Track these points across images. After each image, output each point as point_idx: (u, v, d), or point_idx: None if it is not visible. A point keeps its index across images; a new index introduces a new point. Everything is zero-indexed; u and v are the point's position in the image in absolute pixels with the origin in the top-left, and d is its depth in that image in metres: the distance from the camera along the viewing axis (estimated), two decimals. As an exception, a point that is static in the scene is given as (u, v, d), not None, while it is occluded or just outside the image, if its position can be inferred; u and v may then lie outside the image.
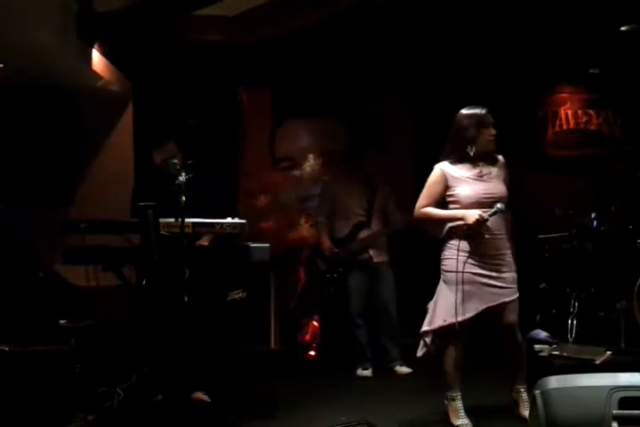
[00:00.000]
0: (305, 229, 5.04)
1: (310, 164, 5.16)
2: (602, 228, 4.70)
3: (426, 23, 4.45)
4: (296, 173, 5.15)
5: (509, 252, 3.08)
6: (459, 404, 3.07)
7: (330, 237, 4.21)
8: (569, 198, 5.02)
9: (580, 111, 5.63)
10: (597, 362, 3.80)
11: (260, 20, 4.18)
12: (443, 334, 3.03)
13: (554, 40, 4.81)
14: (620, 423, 2.18)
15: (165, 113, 4.40)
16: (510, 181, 3.15)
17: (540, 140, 5.55)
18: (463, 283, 2.96)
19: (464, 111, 3.07)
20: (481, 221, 2.93)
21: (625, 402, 2.20)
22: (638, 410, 2.19)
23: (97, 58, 3.76)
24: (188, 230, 2.77)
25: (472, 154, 3.05)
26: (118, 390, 2.99)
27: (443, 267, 3.08)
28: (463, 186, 3.04)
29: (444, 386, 3.11)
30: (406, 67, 4.87)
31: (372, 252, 4.16)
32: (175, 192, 2.77)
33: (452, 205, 3.06)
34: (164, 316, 2.82)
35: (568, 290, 4.61)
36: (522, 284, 4.68)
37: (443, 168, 3.09)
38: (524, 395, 3.11)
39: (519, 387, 3.14)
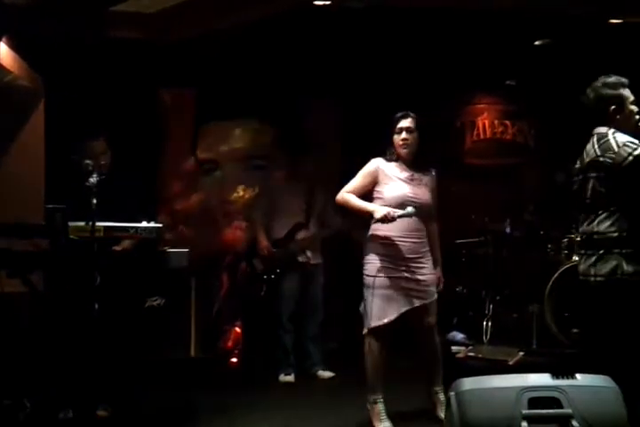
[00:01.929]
0: (229, 234, 4.94)
1: (232, 167, 5.08)
2: (515, 233, 4.91)
3: (355, 29, 4.48)
4: (218, 175, 5.05)
5: (429, 255, 3.14)
6: (381, 407, 3.09)
7: (267, 236, 4.15)
8: (485, 205, 5.20)
9: (496, 121, 5.84)
10: (511, 363, 3.95)
11: (183, 18, 4.08)
12: (368, 335, 3.05)
13: (472, 52, 4.96)
14: (529, 422, 2.25)
15: (81, 111, 4.21)
16: (437, 194, 3.23)
17: (458, 149, 5.72)
18: (381, 287, 3.01)
19: None
20: (387, 219, 2.96)
21: (534, 402, 2.28)
22: (546, 409, 2.27)
23: (4, 51, 3.55)
24: (100, 235, 2.64)
25: (393, 157, 3.14)
26: (25, 402, 2.82)
27: (364, 271, 3.11)
28: (391, 184, 3.09)
29: (366, 389, 3.12)
30: (334, 70, 4.89)
31: (309, 253, 4.14)
32: (87, 194, 2.65)
33: (376, 201, 3.11)
34: (72, 324, 2.68)
35: (484, 293, 4.78)
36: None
37: (377, 163, 3.16)
38: (441, 396, 3.16)
39: (436, 389, 3.19)
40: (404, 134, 3.11)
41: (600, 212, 2.82)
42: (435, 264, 3.19)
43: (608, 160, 2.78)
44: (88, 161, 2.80)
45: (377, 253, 3.05)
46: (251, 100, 4.91)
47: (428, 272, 3.11)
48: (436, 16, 4.32)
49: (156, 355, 3.31)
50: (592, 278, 2.80)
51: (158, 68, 4.58)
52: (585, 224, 2.89)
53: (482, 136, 5.82)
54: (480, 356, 4.08)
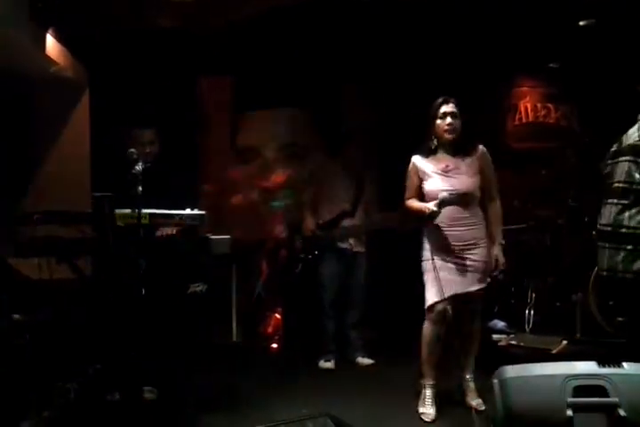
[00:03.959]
0: (270, 222, 4.98)
1: (272, 155, 5.10)
2: (559, 220, 4.81)
3: (389, 14, 4.42)
4: (258, 163, 5.09)
5: (482, 242, 3.13)
6: (428, 392, 3.12)
7: (314, 218, 4.18)
8: (528, 190, 5.10)
9: (539, 104, 5.72)
10: (554, 351, 3.89)
11: (221, 5, 4.08)
12: (426, 317, 3.10)
13: (514, 34, 4.84)
14: (574, 411, 2.22)
15: (124, 101, 4.28)
16: (492, 172, 3.20)
17: (500, 133, 5.62)
18: (435, 270, 3.06)
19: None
20: (430, 212, 3.02)
21: (579, 390, 2.25)
22: (592, 398, 2.24)
23: (50, 43, 3.63)
24: (145, 221, 2.70)
25: (433, 146, 3.12)
26: (74, 385, 2.92)
27: (421, 257, 3.19)
28: (429, 180, 3.15)
29: (416, 372, 3.15)
30: (372, 56, 4.84)
31: (352, 241, 4.14)
32: (132, 182, 2.71)
33: (425, 198, 3.16)
34: (120, 309, 2.75)
35: (526, 281, 4.70)
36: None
37: (414, 161, 3.21)
38: (472, 384, 3.18)
39: (467, 376, 3.20)
40: (448, 119, 3.08)
41: (631, 202, 2.72)
42: (492, 249, 3.16)
43: None
44: (132, 149, 2.85)
45: (429, 241, 3.14)
46: (289, 88, 4.92)
47: (478, 259, 3.11)
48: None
49: (200, 340, 3.38)
50: (620, 275, 2.72)
51: (197, 57, 4.62)
52: (613, 214, 2.80)
53: (524, 120, 5.71)
54: (522, 344, 4.03)
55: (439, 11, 4.41)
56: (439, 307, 3.06)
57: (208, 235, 2.90)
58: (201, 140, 5.00)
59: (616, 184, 2.83)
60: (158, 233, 3.09)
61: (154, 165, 3.21)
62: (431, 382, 3.13)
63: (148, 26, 4.12)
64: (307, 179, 4.38)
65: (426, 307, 3.10)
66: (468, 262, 3.09)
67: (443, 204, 3.03)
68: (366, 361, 4.11)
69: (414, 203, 3.19)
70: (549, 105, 5.71)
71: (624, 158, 2.81)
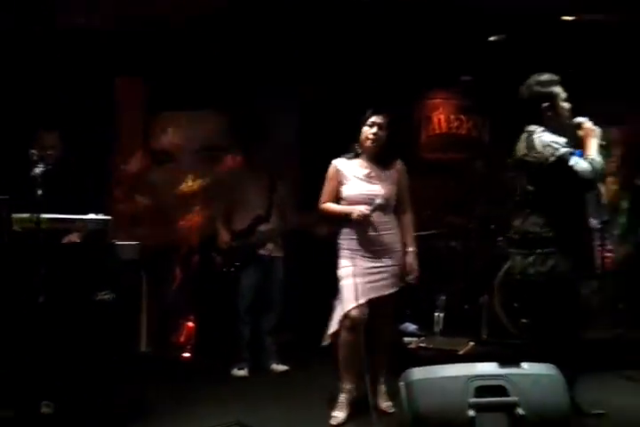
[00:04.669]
0: (183, 227, 4.87)
1: (187, 158, 5.00)
2: (468, 227, 5.00)
3: (312, 20, 4.46)
4: (173, 166, 4.97)
5: (396, 247, 3.22)
6: (342, 396, 3.15)
7: (227, 229, 4.11)
8: (439, 199, 5.27)
9: (452, 116, 5.91)
10: (461, 352, 4.03)
11: (135, 5, 3.98)
12: (341, 325, 3.12)
13: (428, 48, 5.00)
14: (476, 411, 2.31)
15: (28, 102, 4.08)
16: (407, 186, 3.31)
17: (414, 144, 5.77)
18: (351, 276, 3.10)
19: None
20: (363, 217, 3.07)
21: (481, 390, 2.34)
22: (492, 398, 2.33)
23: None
24: (45, 226, 2.56)
25: (357, 152, 3.21)
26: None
27: (338, 264, 3.20)
28: (349, 184, 3.20)
29: (332, 377, 3.17)
30: (291, 61, 4.85)
31: (270, 246, 4.12)
32: (31, 185, 2.57)
33: (342, 202, 3.22)
34: (15, 317, 2.60)
35: (436, 285, 4.85)
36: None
37: (336, 164, 3.25)
38: (383, 387, 3.25)
39: (380, 379, 3.26)
40: (374, 129, 3.16)
41: (531, 210, 2.90)
42: (406, 255, 3.25)
43: (532, 159, 2.86)
44: (33, 151, 2.71)
45: (346, 247, 3.18)
46: (205, 90, 4.83)
47: (393, 263, 3.20)
48: (391, 11, 4.33)
49: (106, 349, 3.24)
50: (532, 278, 2.88)
51: (110, 57, 4.46)
52: (518, 222, 2.96)
53: (437, 131, 5.88)
54: (431, 346, 4.15)
55: (356, 21, 4.49)
56: (355, 313, 3.09)
57: (114, 240, 2.80)
58: (114, 142, 4.82)
59: (516, 196, 3.00)
60: (65, 239, 2.96)
61: (58, 167, 3.07)
62: (349, 387, 3.16)
63: (59, 25, 3.95)
64: (217, 188, 4.34)
65: (342, 314, 3.11)
66: (384, 267, 3.16)
67: (375, 210, 3.10)
68: (280, 368, 4.10)
69: (334, 206, 3.22)
70: (462, 117, 5.92)
71: (517, 171, 2.98)
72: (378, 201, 3.11)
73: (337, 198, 3.23)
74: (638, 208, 5.98)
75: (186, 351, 4.29)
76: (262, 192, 4.13)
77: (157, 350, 4.31)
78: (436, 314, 4.64)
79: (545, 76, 2.97)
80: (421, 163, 5.67)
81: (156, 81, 4.79)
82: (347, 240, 3.19)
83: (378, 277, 3.14)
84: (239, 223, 4.11)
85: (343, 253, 3.20)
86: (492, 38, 5.06)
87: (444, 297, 4.74)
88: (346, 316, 3.10)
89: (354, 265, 3.12)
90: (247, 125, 4.64)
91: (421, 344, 4.18)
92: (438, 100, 5.89)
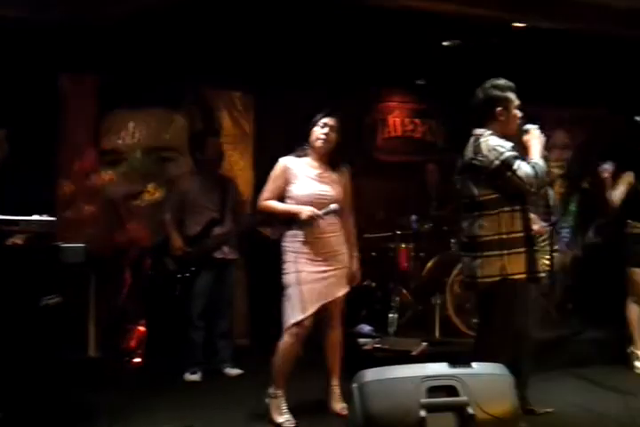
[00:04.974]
0: (133, 230, 4.76)
1: (139, 158, 4.89)
2: (421, 228, 5.07)
3: (268, 20, 4.42)
4: (123, 167, 4.85)
5: (343, 249, 3.20)
6: (282, 400, 3.11)
7: (180, 234, 4.03)
8: (394, 201, 5.32)
9: (407, 120, 5.99)
10: (414, 353, 4.06)
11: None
12: (285, 332, 3.07)
13: (384, 51, 5.04)
14: (428, 411, 2.32)
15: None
16: (351, 191, 3.30)
17: (369, 146, 5.81)
18: (300, 283, 3.05)
19: None
20: (313, 218, 3.04)
21: (432, 391, 2.35)
22: (444, 398, 2.35)
23: None
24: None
25: (306, 152, 3.19)
26: None
27: (283, 270, 3.14)
28: (299, 183, 3.14)
29: (269, 383, 3.12)
30: (244, 59, 4.80)
31: (225, 249, 4.06)
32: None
33: (288, 201, 3.15)
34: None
35: (391, 286, 4.90)
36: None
37: (286, 163, 3.19)
38: (337, 390, 3.23)
39: (333, 382, 3.24)
40: (326, 129, 3.16)
41: (478, 214, 2.95)
42: (350, 259, 3.25)
43: (479, 162, 2.91)
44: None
45: (294, 251, 3.11)
46: (158, 88, 4.74)
47: (341, 266, 3.18)
48: (349, 14, 4.35)
49: (52, 355, 3.14)
50: (479, 280, 2.93)
51: (57, 53, 4.32)
52: (466, 225, 3.01)
53: (392, 134, 5.94)
54: (386, 347, 4.16)
55: (314, 24, 4.49)
56: (302, 323, 3.05)
57: (59, 243, 2.70)
58: (61, 142, 4.67)
59: (465, 199, 3.04)
60: (9, 241, 2.85)
61: (1, 168, 2.95)
62: (283, 391, 3.13)
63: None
64: (167, 190, 4.26)
65: (289, 323, 3.06)
66: (332, 270, 3.13)
67: (327, 214, 3.07)
68: (234, 371, 4.05)
69: (278, 204, 3.15)
70: (416, 120, 6.00)
71: (464, 175, 3.03)
72: (333, 206, 3.08)
73: (281, 197, 3.16)
74: (585, 211, 6.17)
75: (136, 356, 4.19)
76: (214, 194, 4.07)
77: (107, 356, 4.21)
78: (391, 315, 4.68)
79: (502, 81, 3.03)
80: (377, 165, 5.73)
81: (106, 78, 4.67)
82: (292, 242, 3.13)
83: (325, 282, 3.10)
84: (192, 227, 4.04)
85: (288, 256, 3.13)
86: (445, 43, 5.14)
87: (398, 298, 4.79)
88: (292, 325, 3.05)
89: (300, 271, 3.05)
90: (200, 128, 4.59)
91: (376, 345, 4.19)
92: (394, 104, 5.96)
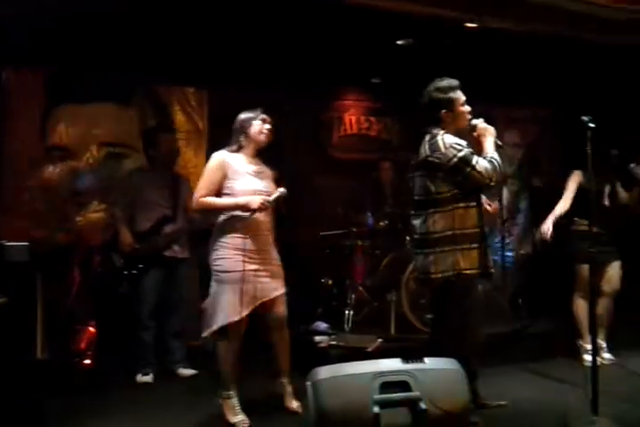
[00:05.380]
0: (82, 227, 4.63)
1: (92, 154, 4.76)
2: (377, 226, 5.11)
3: (222, 19, 4.36)
4: (73, 163, 4.70)
5: (274, 247, 3.17)
6: (234, 401, 3.08)
7: (129, 230, 3.93)
8: (350, 198, 5.35)
9: (362, 117, 6.02)
10: (369, 349, 4.09)
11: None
12: (220, 333, 3.01)
13: (341, 49, 5.04)
14: (381, 407, 2.34)
15: None
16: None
17: (326, 144, 5.82)
18: (236, 281, 2.99)
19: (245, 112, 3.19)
20: (266, 205, 2.99)
21: (386, 386, 2.37)
22: (397, 393, 2.37)
23: None
24: None
25: (236, 147, 3.13)
26: None
27: (217, 267, 3.04)
28: (242, 179, 3.08)
29: (220, 385, 3.09)
30: (199, 55, 4.73)
31: (176, 247, 3.98)
32: None
33: (226, 197, 3.05)
34: None
35: (347, 283, 4.92)
36: (306, 278, 4.92)
37: (224, 157, 3.11)
38: (289, 388, 3.21)
39: (284, 380, 3.21)
40: (267, 125, 3.16)
41: (433, 210, 2.99)
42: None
43: (436, 160, 2.95)
44: None
45: (230, 248, 3.01)
46: (108, 82, 4.62)
47: (277, 264, 3.14)
48: (304, 12, 4.33)
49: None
50: (433, 276, 2.97)
51: (0, 46, 4.16)
52: (418, 223, 3.05)
53: (349, 132, 5.97)
54: (342, 344, 4.17)
55: (267, 20, 4.44)
56: (239, 324, 2.99)
57: (2, 241, 2.60)
58: (5, 137, 4.50)
59: (418, 197, 3.07)
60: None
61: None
62: (234, 391, 3.09)
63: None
64: (119, 186, 4.15)
65: (223, 325, 2.97)
66: (270, 268, 3.09)
67: (278, 199, 3.03)
68: (188, 372, 3.98)
69: (220, 200, 3.02)
70: (372, 118, 6.04)
71: (419, 173, 3.06)
72: (281, 190, 3.04)
73: (217, 193, 3.04)
74: (536, 208, 6.33)
75: (87, 358, 4.07)
76: (166, 191, 3.99)
77: (56, 357, 4.08)
78: (347, 312, 4.69)
79: (444, 82, 3.07)
80: (333, 162, 5.76)
81: (53, 72, 4.52)
82: (231, 239, 3.01)
83: (265, 280, 3.05)
84: (143, 224, 3.95)
85: (226, 253, 3.01)
86: (400, 42, 5.17)
87: (354, 295, 4.81)
88: (229, 325, 2.98)
89: (239, 270, 2.97)
90: (154, 124, 4.50)
91: (332, 343, 4.20)
92: (350, 102, 5.98)
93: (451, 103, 3.04)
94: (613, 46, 4.70)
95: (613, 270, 4.10)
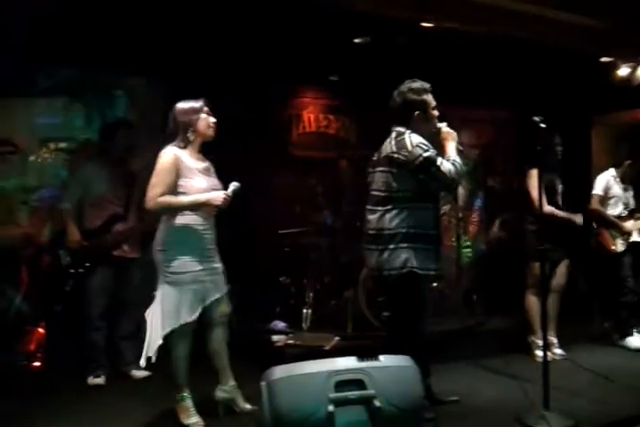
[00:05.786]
0: (30, 224, 4.47)
1: (44, 150, 4.61)
2: (334, 224, 5.11)
3: (184, 14, 4.27)
4: (16, 159, 4.53)
5: (216, 246, 3.11)
6: (189, 403, 3.04)
7: (78, 227, 3.80)
8: (308, 196, 5.33)
9: (321, 115, 6.02)
10: (327, 348, 4.09)
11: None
12: (170, 336, 2.96)
13: (299, 47, 5.01)
14: (336, 405, 2.34)
15: None
16: None
17: (285, 142, 5.79)
18: (188, 282, 2.94)
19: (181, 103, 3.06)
20: (228, 200, 2.94)
21: (341, 385, 2.37)
22: (352, 391, 2.38)
23: None
24: None
25: (183, 143, 3.00)
26: None
27: (167, 268, 2.95)
28: (196, 178, 3.01)
29: (174, 387, 3.05)
30: (159, 49, 4.62)
31: (126, 247, 3.88)
32: None
33: (180, 196, 2.95)
34: None
35: (305, 281, 4.90)
36: (264, 277, 4.89)
37: (175, 153, 2.97)
38: (236, 388, 3.16)
39: (230, 382, 3.15)
40: (212, 118, 3.06)
41: (391, 207, 3.02)
42: None
43: (402, 157, 2.99)
44: None
45: (180, 248, 2.93)
46: (60, 73, 4.48)
47: (220, 262, 3.10)
48: (263, 7, 4.29)
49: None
50: (386, 272, 3.00)
51: None
52: (374, 218, 3.07)
53: (307, 129, 5.95)
54: (299, 343, 4.16)
55: (228, 18, 4.39)
56: (189, 325, 2.95)
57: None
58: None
59: (376, 193, 3.09)
60: None
61: None
62: (188, 392, 3.05)
63: None
64: (69, 180, 4.00)
65: (175, 327, 2.92)
66: (215, 267, 3.05)
67: (235, 192, 2.97)
68: (141, 374, 3.88)
69: (179, 198, 2.92)
70: (330, 116, 6.04)
71: (381, 169, 3.08)
72: (236, 184, 2.97)
73: (172, 192, 2.92)
74: (491, 207, 6.45)
75: (36, 360, 3.94)
76: (118, 189, 3.88)
77: (3, 360, 3.94)
78: (305, 311, 4.68)
79: (417, 84, 3.10)
80: (292, 160, 5.73)
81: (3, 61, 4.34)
82: (181, 238, 2.93)
83: (213, 278, 3.01)
84: (93, 221, 3.84)
85: (174, 252, 2.93)
86: (357, 40, 5.18)
87: (311, 294, 4.80)
88: (183, 326, 2.93)
89: (187, 271, 2.91)
90: (105, 118, 4.37)
91: (289, 342, 4.18)
92: (308, 99, 5.97)
93: (424, 105, 3.08)
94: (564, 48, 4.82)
95: (563, 267, 4.22)
